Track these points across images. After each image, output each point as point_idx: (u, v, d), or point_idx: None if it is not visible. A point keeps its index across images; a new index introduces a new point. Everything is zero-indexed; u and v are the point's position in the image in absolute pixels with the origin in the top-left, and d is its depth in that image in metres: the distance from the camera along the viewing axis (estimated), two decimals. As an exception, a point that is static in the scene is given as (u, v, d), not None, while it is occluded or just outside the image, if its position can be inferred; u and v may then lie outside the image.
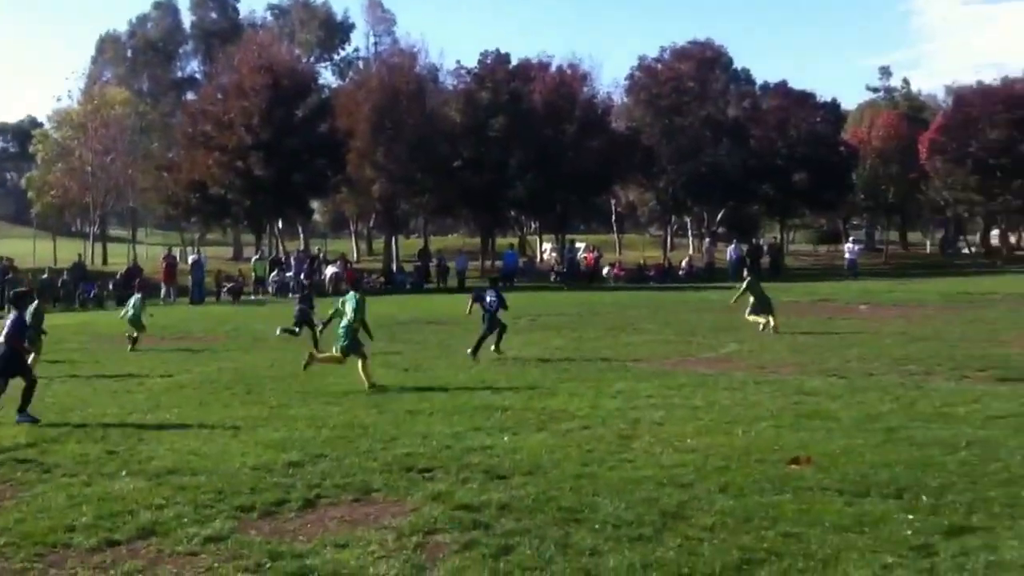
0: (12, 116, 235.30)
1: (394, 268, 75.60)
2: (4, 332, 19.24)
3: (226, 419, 18.13)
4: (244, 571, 9.85)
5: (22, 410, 18.36)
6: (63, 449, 15.59)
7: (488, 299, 28.18)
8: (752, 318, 33.50)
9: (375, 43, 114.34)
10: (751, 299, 33.80)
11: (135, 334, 32.14)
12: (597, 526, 10.89)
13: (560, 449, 14.82)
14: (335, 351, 23.01)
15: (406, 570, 9.74)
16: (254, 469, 13.91)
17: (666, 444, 15.05)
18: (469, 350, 27.50)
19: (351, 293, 23.69)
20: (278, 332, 32.99)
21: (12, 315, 19.65)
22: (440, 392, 21.07)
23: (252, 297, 61.53)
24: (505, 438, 15.72)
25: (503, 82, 79.83)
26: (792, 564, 9.65)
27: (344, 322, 22.80)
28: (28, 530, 11.24)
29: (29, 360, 23.03)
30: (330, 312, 24.08)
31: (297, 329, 32.38)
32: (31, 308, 26.19)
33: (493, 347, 28.02)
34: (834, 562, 9.70)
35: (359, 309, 22.92)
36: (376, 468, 13.81)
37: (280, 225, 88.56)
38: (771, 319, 33.17)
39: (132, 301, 33.06)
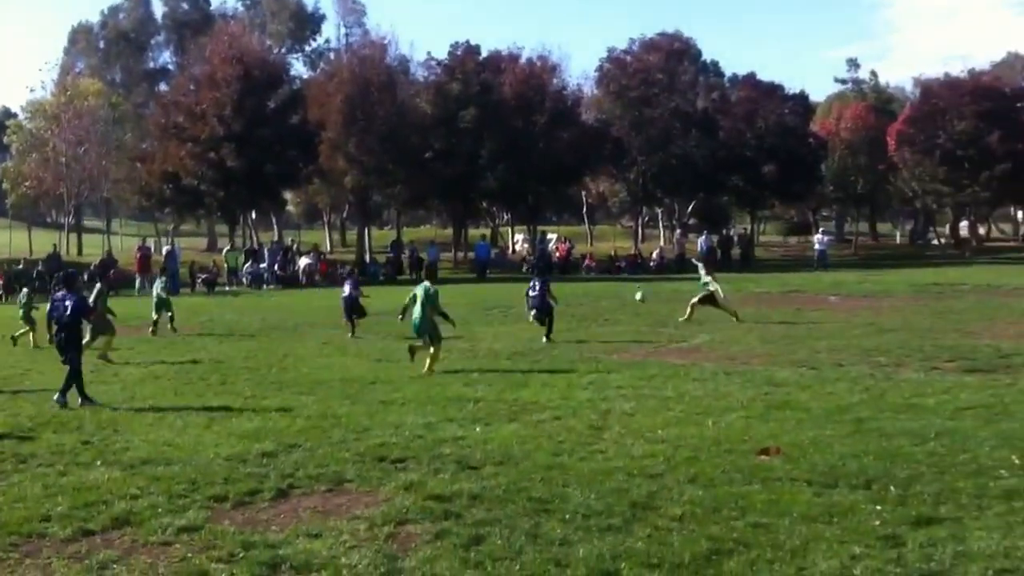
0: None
1: (367, 259, 75.58)
2: (67, 311, 19.68)
3: (200, 409, 18.21)
4: (217, 561, 9.90)
5: (63, 392, 19.20)
6: (39, 439, 15.66)
7: (533, 289, 30.12)
8: (693, 304, 33.75)
9: (346, 34, 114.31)
10: (708, 288, 33.94)
11: (156, 317, 32.81)
12: (567, 516, 10.98)
13: (531, 440, 14.91)
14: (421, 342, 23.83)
15: (378, 560, 9.79)
16: (228, 459, 13.98)
17: (636, 435, 15.15)
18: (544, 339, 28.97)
19: (424, 283, 24.68)
20: (344, 321, 33.24)
21: (69, 297, 20.05)
22: (413, 383, 21.18)
23: (227, 288, 61.45)
24: (477, 429, 15.82)
25: (473, 74, 79.46)
26: (761, 554, 9.75)
27: (417, 310, 23.67)
28: (3, 520, 11.32)
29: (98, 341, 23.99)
30: (405, 302, 24.79)
31: (354, 316, 32.81)
32: (95, 290, 26.83)
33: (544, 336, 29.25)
34: (802, 552, 9.80)
35: (432, 297, 23.76)
36: (349, 458, 13.89)
37: (254, 216, 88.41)
38: (692, 308, 33.59)
39: (157, 285, 33.24)
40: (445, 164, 75.83)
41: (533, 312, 30.02)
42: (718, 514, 10.99)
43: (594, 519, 10.87)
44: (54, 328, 19.96)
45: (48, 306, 20.86)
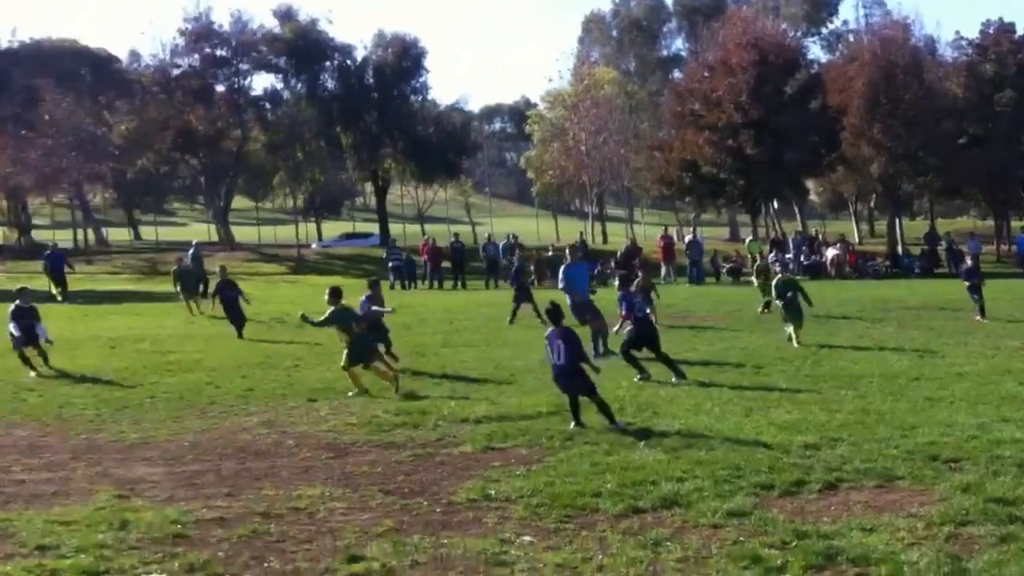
0: (508, 97, 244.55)
1: (899, 251, 73.57)
2: (561, 354, 16.34)
3: (736, 399, 18.26)
4: (770, 547, 9.90)
5: (612, 421, 15.94)
6: (586, 418, 16.06)
7: None
8: None
9: (865, 15, 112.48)
10: None
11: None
12: None
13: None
14: None
15: (940, 559, 9.43)
16: (769, 448, 13.94)
17: None
18: None
19: None
20: None
21: (560, 335, 16.63)
22: (960, 380, 20.26)
23: (752, 279, 61.09)
24: (1038, 430, 14.94)
25: (1008, 53, 76.02)
26: None
27: None
28: (557, 492, 11.88)
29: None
30: None
31: None
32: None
33: None
34: None
35: None
36: (897, 455, 13.46)
37: (775, 205, 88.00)
38: None
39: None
40: (981, 150, 72.56)
41: None
42: None
43: None
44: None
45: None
